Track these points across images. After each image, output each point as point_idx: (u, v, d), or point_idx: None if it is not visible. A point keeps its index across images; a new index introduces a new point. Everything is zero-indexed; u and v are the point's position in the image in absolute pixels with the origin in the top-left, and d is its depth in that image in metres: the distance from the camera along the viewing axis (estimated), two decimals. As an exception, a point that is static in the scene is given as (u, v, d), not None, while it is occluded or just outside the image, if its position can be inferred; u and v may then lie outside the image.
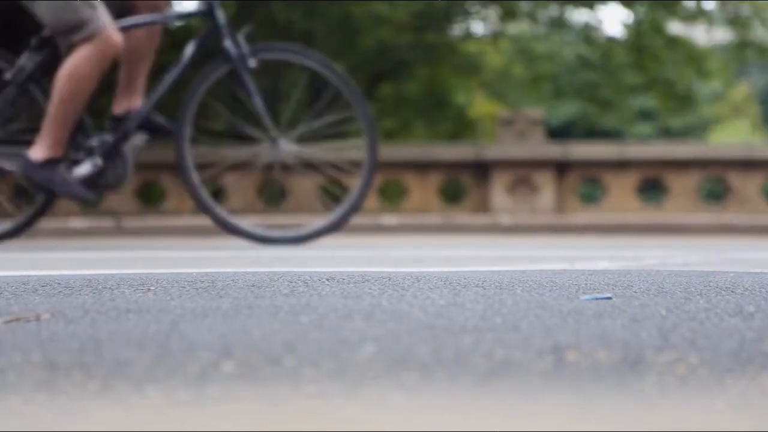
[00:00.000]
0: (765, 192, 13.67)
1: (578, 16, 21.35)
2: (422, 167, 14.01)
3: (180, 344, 1.74)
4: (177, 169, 6.66)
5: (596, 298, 2.36)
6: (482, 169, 13.81)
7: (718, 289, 2.53)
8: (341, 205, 6.63)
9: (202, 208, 6.65)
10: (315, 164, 7.91)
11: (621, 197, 13.42)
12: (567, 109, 31.27)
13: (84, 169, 6.18)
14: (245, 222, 6.98)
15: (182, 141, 6.56)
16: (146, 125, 6.37)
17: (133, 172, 6.92)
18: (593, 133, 30.23)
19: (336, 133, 7.16)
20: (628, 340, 1.77)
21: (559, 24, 20.89)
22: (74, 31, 5.97)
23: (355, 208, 6.61)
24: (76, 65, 5.98)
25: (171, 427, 1.35)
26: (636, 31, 19.81)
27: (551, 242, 7.70)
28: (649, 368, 1.63)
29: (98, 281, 2.69)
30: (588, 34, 21.18)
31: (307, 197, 14.27)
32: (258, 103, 6.66)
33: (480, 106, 27.35)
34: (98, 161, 6.20)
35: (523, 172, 13.33)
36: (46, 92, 6.18)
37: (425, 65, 21.09)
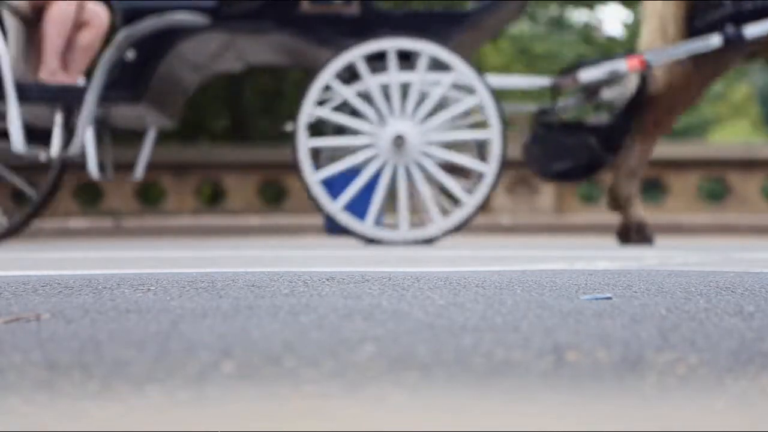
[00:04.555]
0: (765, 192, 13.68)
1: (578, 16, 21.34)
2: (422, 167, 14.00)
3: (180, 344, 1.73)
4: None
5: (596, 298, 2.36)
6: (482, 169, 13.80)
7: (718, 289, 2.53)
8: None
9: None
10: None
11: (621, 197, 13.40)
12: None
13: None
14: None
15: None
16: None
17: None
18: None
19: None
20: (628, 340, 1.77)
21: (559, 24, 20.87)
22: None
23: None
24: None
25: (171, 427, 1.35)
26: (636, 31, 19.81)
27: (551, 242, 7.70)
28: (649, 368, 1.63)
29: (98, 281, 2.69)
30: (588, 34, 21.17)
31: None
32: None
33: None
34: None
35: (523, 172, 13.34)
36: None
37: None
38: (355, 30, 6.95)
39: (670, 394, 1.52)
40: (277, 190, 14.94)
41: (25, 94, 6.93)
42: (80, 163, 7.10)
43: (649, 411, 1.43)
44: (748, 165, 13.38)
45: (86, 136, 6.91)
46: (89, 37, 7.33)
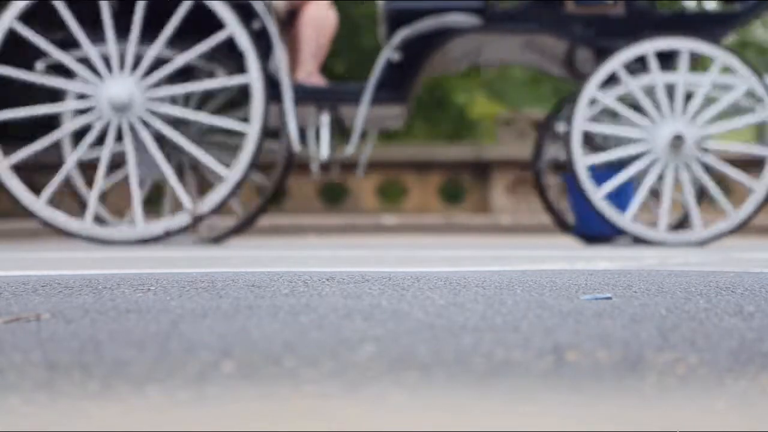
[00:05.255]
0: (765, 192, 13.65)
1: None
2: (422, 167, 14.00)
3: (180, 344, 1.74)
4: None
5: (596, 298, 2.36)
6: (482, 169, 13.81)
7: (718, 289, 2.53)
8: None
9: None
10: None
11: (621, 197, 13.40)
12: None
13: None
14: None
15: None
16: None
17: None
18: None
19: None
20: (628, 340, 1.77)
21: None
22: None
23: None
24: None
25: (171, 427, 1.35)
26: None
27: (551, 242, 7.70)
28: (649, 368, 1.63)
29: (98, 281, 2.69)
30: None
31: (307, 197, 14.25)
32: None
33: (480, 106, 27.34)
34: None
35: (523, 172, 13.33)
36: None
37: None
38: (620, 30, 6.90)
39: (670, 394, 1.52)
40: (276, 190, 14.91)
41: (295, 95, 6.93)
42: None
43: (649, 411, 1.43)
44: (749, 164, 13.37)
45: (310, 134, 6.96)
46: (324, 38, 7.34)
